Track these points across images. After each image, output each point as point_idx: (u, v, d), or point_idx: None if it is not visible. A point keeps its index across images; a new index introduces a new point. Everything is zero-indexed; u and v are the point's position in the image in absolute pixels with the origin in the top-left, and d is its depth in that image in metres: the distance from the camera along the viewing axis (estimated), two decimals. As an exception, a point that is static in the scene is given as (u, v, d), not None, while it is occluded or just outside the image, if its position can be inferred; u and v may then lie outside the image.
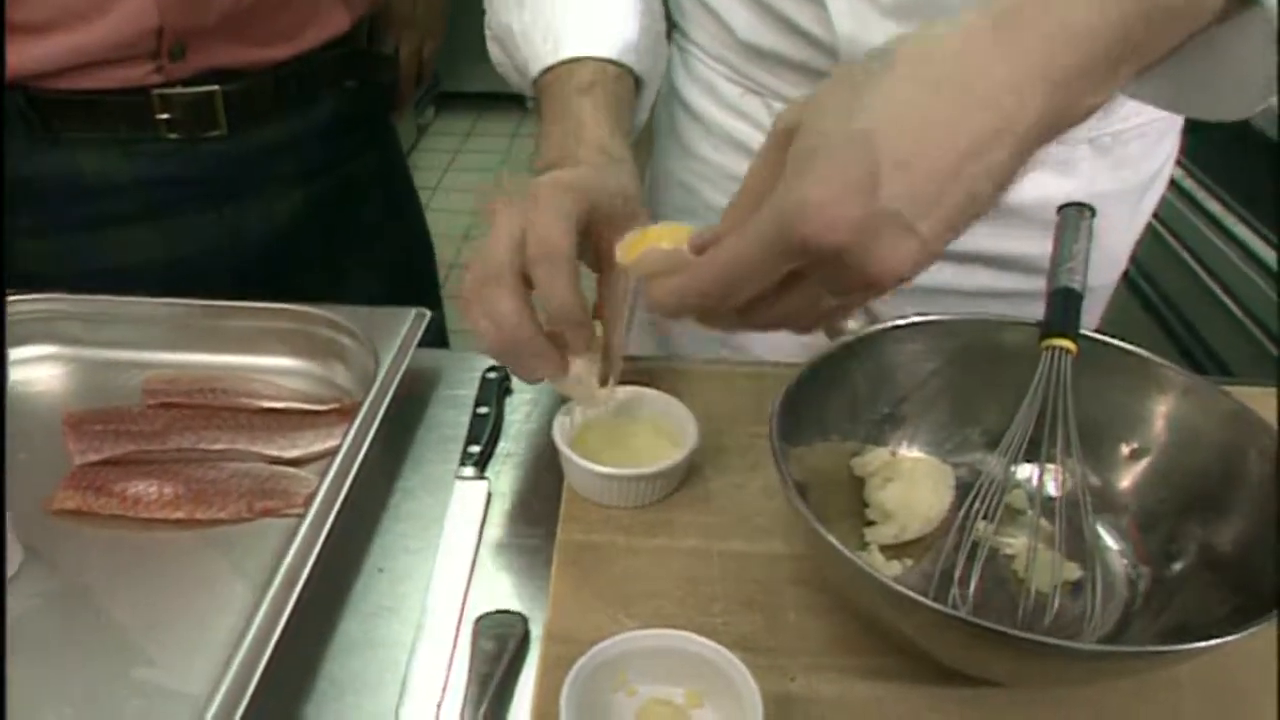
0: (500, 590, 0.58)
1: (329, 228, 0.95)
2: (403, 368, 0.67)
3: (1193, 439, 0.57)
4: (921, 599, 0.45)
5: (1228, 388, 0.59)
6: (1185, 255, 1.25)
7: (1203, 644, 0.45)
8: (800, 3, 0.72)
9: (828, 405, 0.59)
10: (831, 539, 0.47)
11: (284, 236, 0.93)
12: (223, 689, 0.45)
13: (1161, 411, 0.59)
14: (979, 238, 0.80)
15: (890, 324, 0.60)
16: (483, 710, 0.49)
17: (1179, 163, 1.35)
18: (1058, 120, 0.42)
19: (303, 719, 0.51)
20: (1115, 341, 0.60)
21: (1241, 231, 1.19)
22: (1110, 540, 0.59)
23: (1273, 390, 0.77)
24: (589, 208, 0.57)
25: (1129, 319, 1.34)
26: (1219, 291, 1.17)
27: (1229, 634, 0.44)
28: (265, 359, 0.72)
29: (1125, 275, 1.37)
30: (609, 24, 0.68)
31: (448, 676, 0.52)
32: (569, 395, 0.62)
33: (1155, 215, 1.34)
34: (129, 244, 0.86)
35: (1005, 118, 0.41)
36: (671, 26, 0.86)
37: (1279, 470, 0.52)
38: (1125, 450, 0.60)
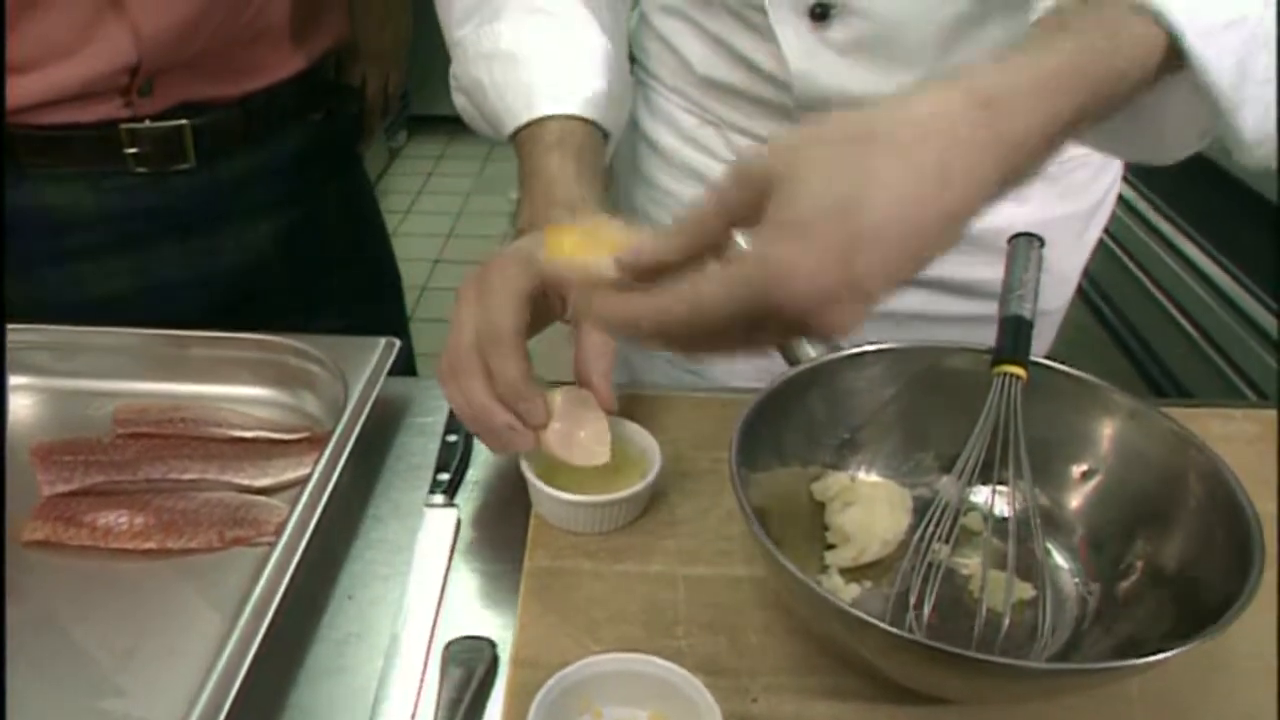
0: (469, 616, 0.59)
1: (297, 258, 0.96)
2: (372, 397, 0.68)
3: (1138, 460, 0.59)
4: (874, 621, 0.46)
5: (1182, 409, 0.61)
6: (1141, 276, 1.29)
7: (1146, 660, 0.47)
8: (755, 40, 0.75)
9: (786, 431, 0.60)
10: (787, 563, 0.48)
11: (253, 267, 0.94)
12: (193, 718, 0.46)
13: (1108, 434, 0.61)
14: (941, 265, 0.83)
15: (847, 352, 0.62)
16: (450, 737, 0.50)
17: (1132, 185, 1.39)
18: (1008, 188, 0.45)
19: (274, 747, 0.51)
20: (1063, 367, 0.62)
21: (1193, 252, 1.22)
22: (1061, 559, 0.61)
23: (1224, 410, 0.80)
24: (541, 271, 0.59)
25: (1088, 339, 1.37)
26: (1174, 311, 1.21)
27: (1172, 649, 0.46)
28: (235, 388, 0.73)
29: (1083, 297, 1.40)
30: (578, 80, 0.70)
31: (417, 702, 0.53)
32: (568, 460, 0.62)
33: (1111, 237, 1.38)
34: (99, 276, 0.87)
35: (976, 200, 0.44)
36: (631, 60, 0.88)
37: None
38: (1075, 472, 0.62)
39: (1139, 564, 0.57)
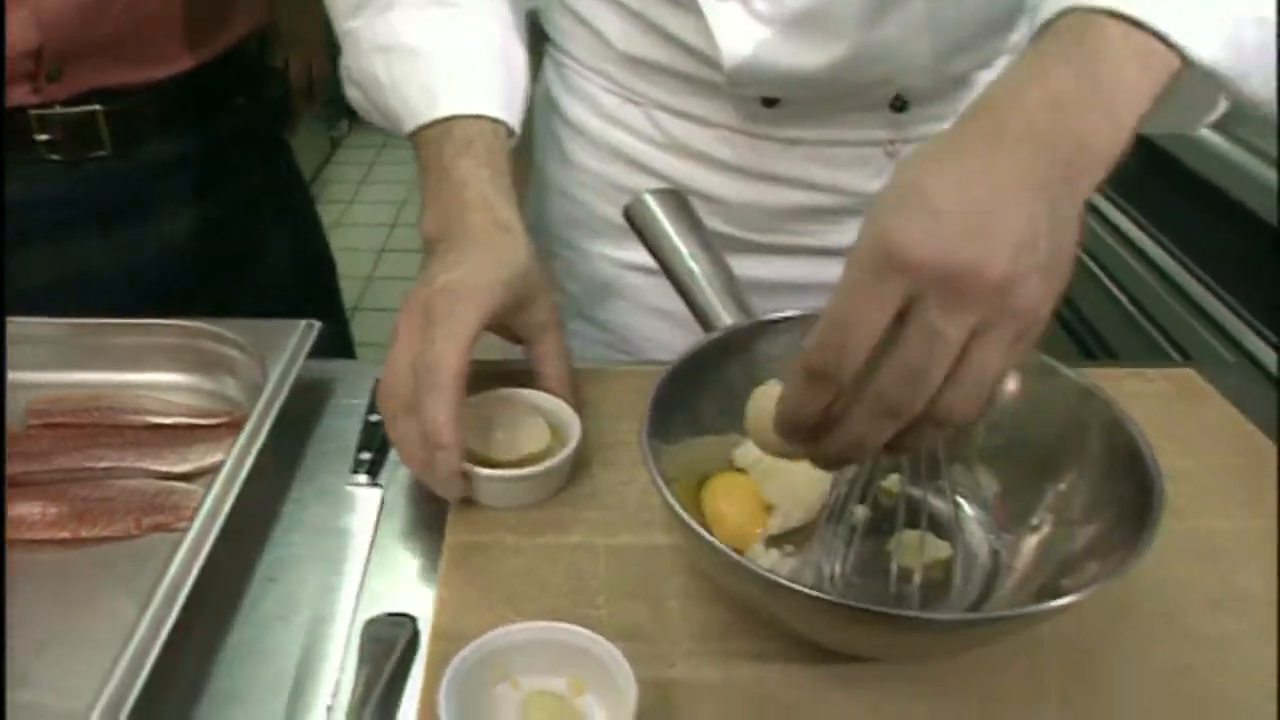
0: (392, 595, 0.59)
1: (224, 246, 0.95)
2: (291, 378, 0.67)
3: (1045, 414, 0.60)
4: (787, 581, 0.47)
5: (1102, 369, 0.61)
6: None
7: (1046, 606, 0.48)
8: (679, 15, 0.74)
9: (703, 401, 0.61)
10: (700, 529, 0.49)
11: (177, 256, 0.92)
12: (100, 703, 0.46)
13: (1017, 390, 0.62)
14: (803, 235, 0.84)
15: (763, 319, 0.62)
16: (369, 711, 0.50)
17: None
18: None
19: (193, 728, 0.51)
20: None
21: (1125, 224, 1.25)
22: (974, 514, 0.62)
23: (1140, 370, 0.82)
24: (490, 312, 0.60)
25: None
26: (1104, 278, 1.23)
27: (1072, 596, 0.47)
28: (153, 375, 0.72)
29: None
30: (481, 77, 0.69)
31: (338, 680, 0.53)
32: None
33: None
34: (17, 268, 0.85)
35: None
36: (545, 40, 0.87)
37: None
38: (985, 427, 0.63)
39: (1049, 517, 0.59)
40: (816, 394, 0.44)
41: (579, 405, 0.66)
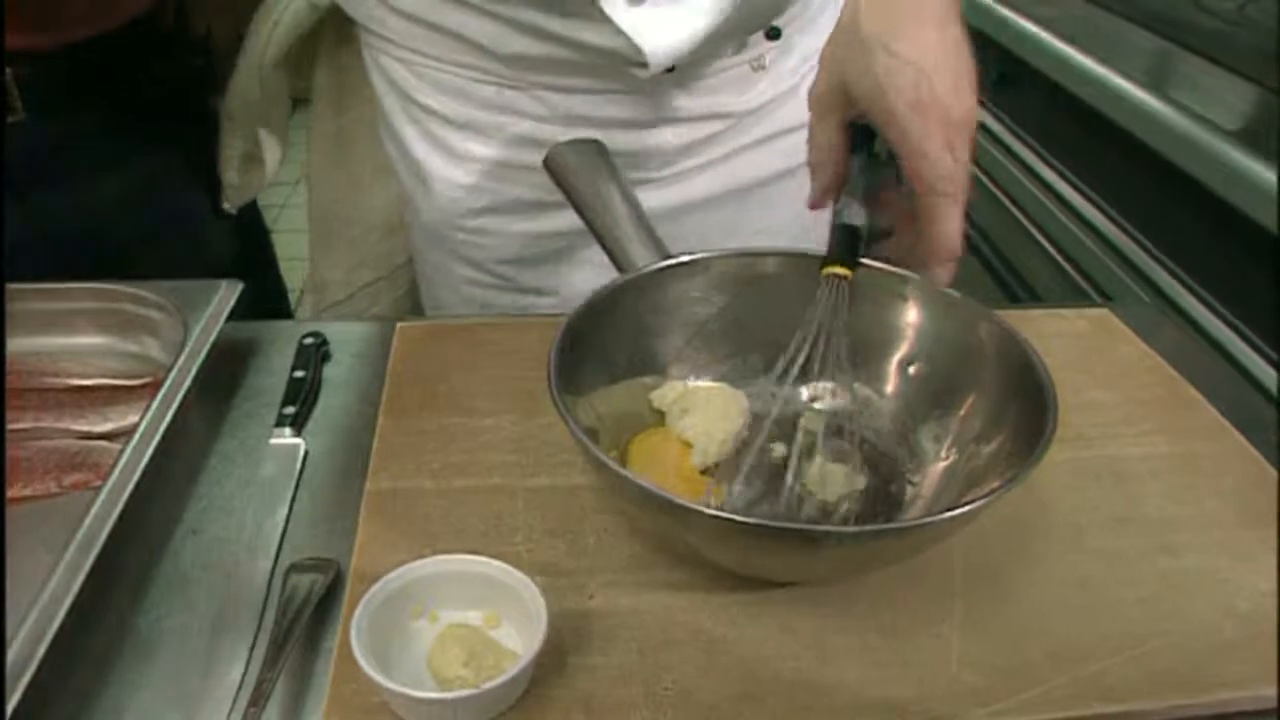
0: (315, 542, 0.60)
1: (150, 213, 0.94)
2: (212, 336, 0.67)
3: (948, 344, 0.63)
4: (682, 501, 0.48)
5: (1021, 310, 0.62)
6: (1001, 196, 1.34)
7: (939, 518, 0.50)
8: (569, 20, 0.73)
9: (614, 343, 0.62)
10: (607, 459, 0.50)
11: (105, 226, 0.91)
12: (10, 654, 0.46)
13: (926, 326, 0.64)
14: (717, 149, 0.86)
15: (673, 261, 0.64)
16: (287, 651, 0.50)
17: (994, 115, 1.44)
18: None
19: (113, 677, 0.52)
20: (889, 268, 0.65)
21: (1047, 174, 1.28)
22: (889, 445, 0.64)
23: (1058, 310, 0.84)
24: None
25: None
26: (1027, 224, 1.26)
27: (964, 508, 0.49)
28: (76, 339, 0.72)
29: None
30: None
31: (259, 623, 0.54)
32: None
33: (977, 164, 1.43)
34: None
35: None
36: (366, 35, 0.84)
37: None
38: (896, 361, 0.65)
39: (955, 442, 0.61)
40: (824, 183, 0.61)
41: None
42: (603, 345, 0.61)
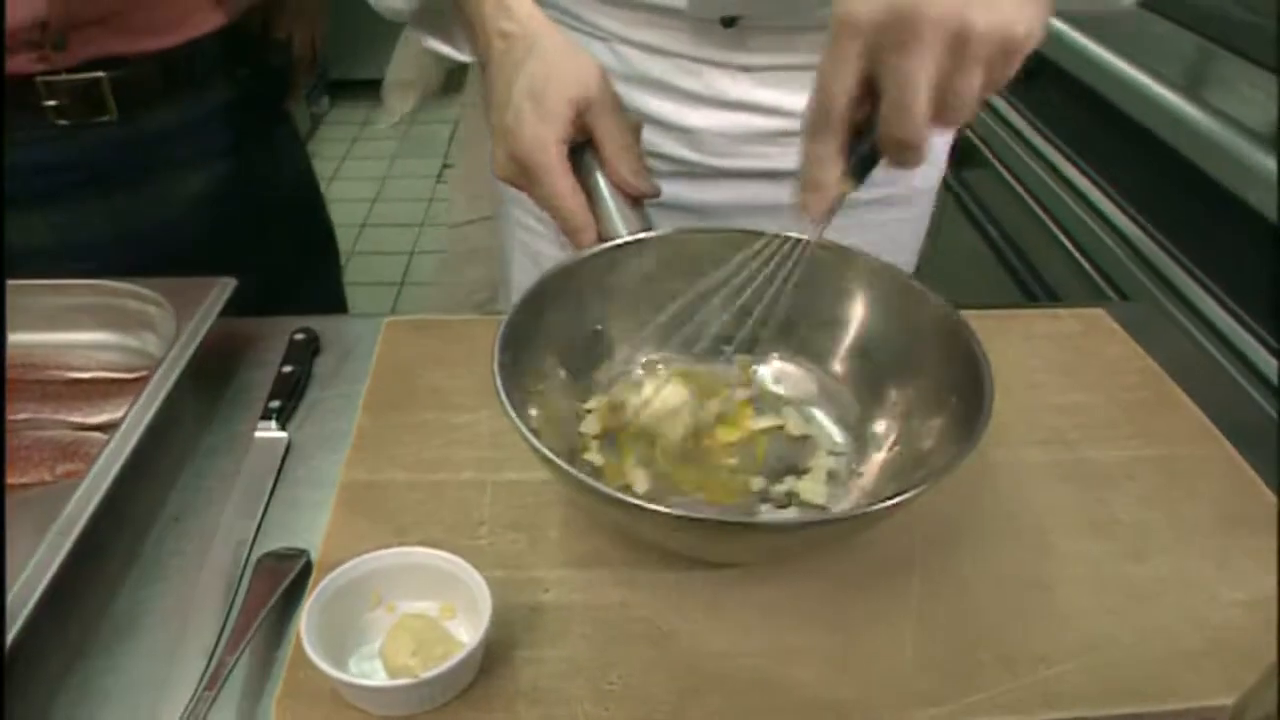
0: (290, 532, 0.61)
1: (227, 214, 0.97)
2: (203, 332, 0.69)
3: (895, 326, 0.63)
4: (626, 498, 0.49)
5: (1013, 310, 0.61)
6: (1022, 193, 1.32)
7: (880, 505, 0.49)
8: None
9: (558, 325, 0.63)
10: (551, 455, 0.51)
11: (180, 223, 0.95)
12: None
13: (872, 303, 0.64)
14: (770, 158, 0.85)
15: (620, 241, 0.64)
16: (249, 637, 0.52)
17: (1013, 106, 1.42)
18: None
19: (88, 653, 0.54)
20: (844, 245, 0.64)
21: (1070, 171, 1.26)
22: (835, 432, 0.65)
23: (1051, 310, 0.83)
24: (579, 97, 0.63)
25: (966, 249, 1.41)
26: (1047, 221, 1.25)
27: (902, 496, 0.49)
28: (78, 335, 0.74)
29: (965, 213, 1.44)
30: None
31: (229, 610, 0.56)
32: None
33: (999, 161, 1.41)
34: (19, 230, 0.87)
35: None
36: None
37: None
38: (847, 340, 0.65)
39: (901, 429, 0.61)
40: (821, 145, 0.54)
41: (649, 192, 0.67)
42: (548, 332, 0.62)
